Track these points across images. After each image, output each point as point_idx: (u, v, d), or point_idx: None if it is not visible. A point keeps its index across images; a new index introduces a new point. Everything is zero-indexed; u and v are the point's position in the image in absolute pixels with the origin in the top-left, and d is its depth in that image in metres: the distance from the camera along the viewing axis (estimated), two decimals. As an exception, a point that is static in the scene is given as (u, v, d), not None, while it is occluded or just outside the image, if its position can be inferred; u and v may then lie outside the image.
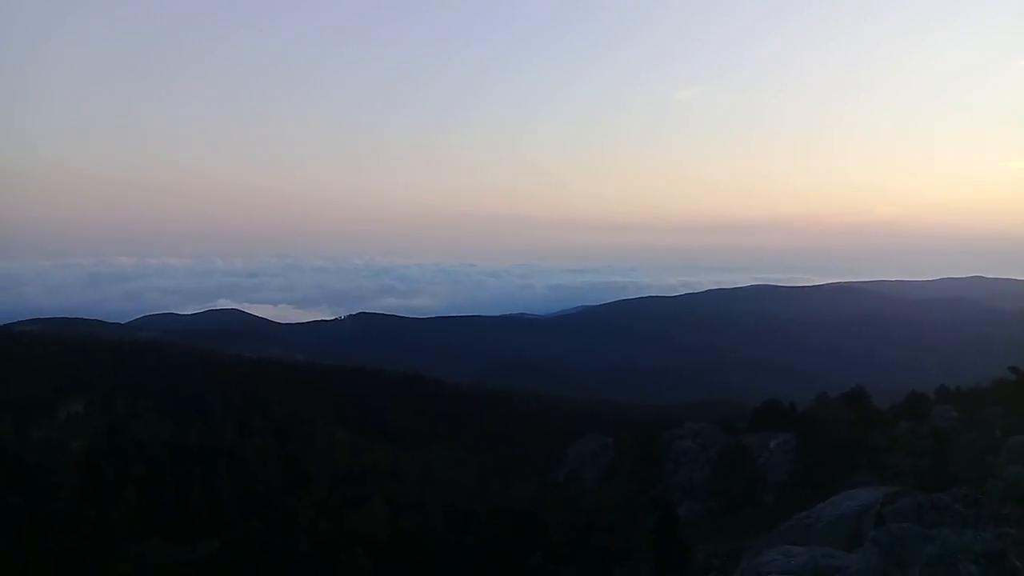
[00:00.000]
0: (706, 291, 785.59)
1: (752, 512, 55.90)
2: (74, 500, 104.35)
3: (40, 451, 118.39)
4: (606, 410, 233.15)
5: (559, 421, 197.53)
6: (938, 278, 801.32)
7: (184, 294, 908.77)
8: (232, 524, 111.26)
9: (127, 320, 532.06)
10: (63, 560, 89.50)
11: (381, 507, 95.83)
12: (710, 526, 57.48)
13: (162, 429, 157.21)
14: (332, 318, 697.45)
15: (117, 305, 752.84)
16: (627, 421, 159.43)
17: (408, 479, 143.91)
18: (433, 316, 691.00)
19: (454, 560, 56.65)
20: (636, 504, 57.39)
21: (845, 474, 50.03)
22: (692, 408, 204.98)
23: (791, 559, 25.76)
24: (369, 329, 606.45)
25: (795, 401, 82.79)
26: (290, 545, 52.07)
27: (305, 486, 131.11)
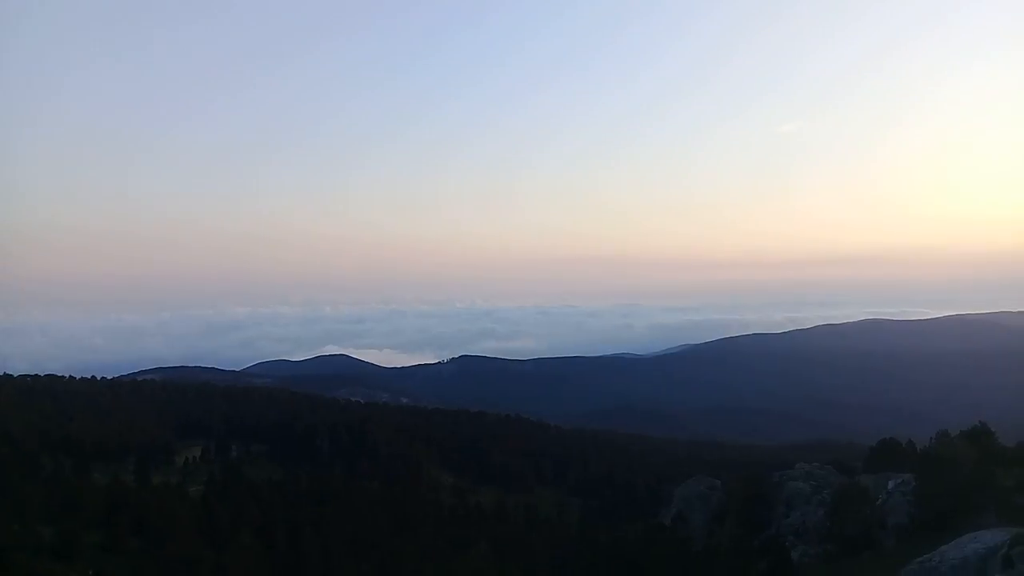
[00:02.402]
0: (815, 327, 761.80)
1: (870, 556, 53.58)
2: (191, 543, 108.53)
3: (160, 496, 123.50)
4: (712, 451, 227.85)
5: (664, 462, 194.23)
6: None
7: (294, 341, 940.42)
8: (342, 567, 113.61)
9: (241, 367, 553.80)
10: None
11: (486, 550, 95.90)
12: (825, 571, 55.22)
13: (274, 472, 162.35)
14: (435, 361, 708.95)
15: (232, 353, 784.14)
16: (735, 462, 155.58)
17: (512, 522, 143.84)
18: (534, 358, 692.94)
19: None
20: (747, 548, 55.65)
21: (969, 516, 47.40)
22: (803, 449, 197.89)
23: (913, 605, 24.63)
24: (471, 371, 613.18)
25: (912, 439, 79.26)
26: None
27: (411, 529, 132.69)
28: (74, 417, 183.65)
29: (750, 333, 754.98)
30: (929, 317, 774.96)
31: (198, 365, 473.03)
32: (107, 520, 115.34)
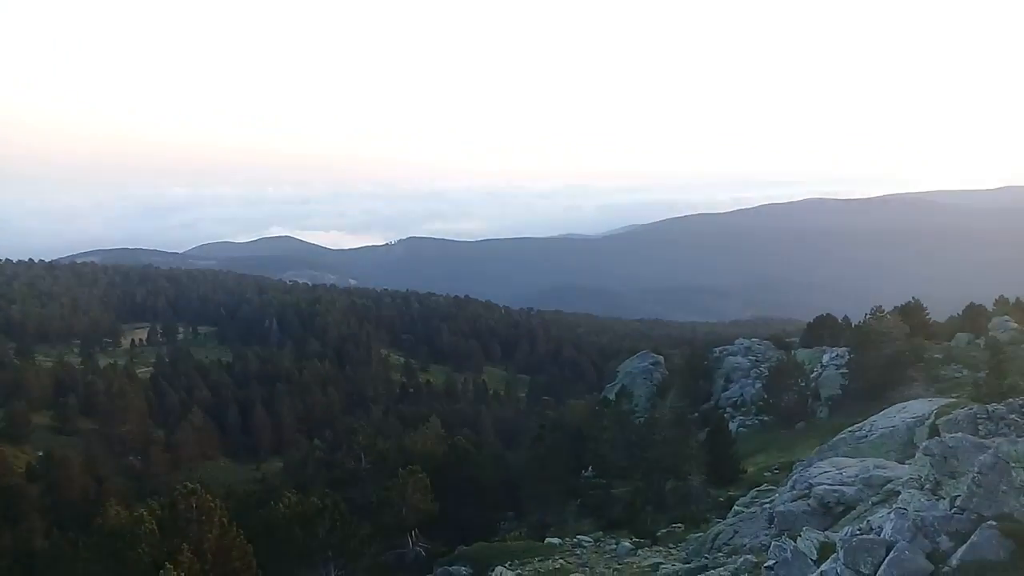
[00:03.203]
0: (759, 206, 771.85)
1: (804, 427, 56.03)
2: (142, 423, 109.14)
3: (107, 377, 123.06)
4: (657, 329, 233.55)
5: (609, 340, 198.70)
6: (1000, 187, 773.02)
7: (237, 223, 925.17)
8: (294, 444, 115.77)
9: (184, 250, 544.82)
10: (134, 480, 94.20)
11: (437, 425, 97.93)
12: (762, 440, 57.74)
13: (223, 354, 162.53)
14: (383, 243, 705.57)
15: (174, 235, 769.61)
16: (678, 339, 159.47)
17: (462, 398, 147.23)
18: (482, 239, 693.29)
19: (508, 476, 58.06)
20: (687, 420, 57.75)
21: (899, 388, 49.55)
22: (744, 326, 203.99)
23: (843, 471, 25.89)
24: (419, 253, 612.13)
25: (848, 316, 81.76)
26: (350, 464, 53.75)
27: (363, 406, 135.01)
28: (14, 301, 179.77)
29: (696, 213, 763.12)
30: (870, 196, 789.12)
31: (139, 247, 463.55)
32: (55, 402, 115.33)
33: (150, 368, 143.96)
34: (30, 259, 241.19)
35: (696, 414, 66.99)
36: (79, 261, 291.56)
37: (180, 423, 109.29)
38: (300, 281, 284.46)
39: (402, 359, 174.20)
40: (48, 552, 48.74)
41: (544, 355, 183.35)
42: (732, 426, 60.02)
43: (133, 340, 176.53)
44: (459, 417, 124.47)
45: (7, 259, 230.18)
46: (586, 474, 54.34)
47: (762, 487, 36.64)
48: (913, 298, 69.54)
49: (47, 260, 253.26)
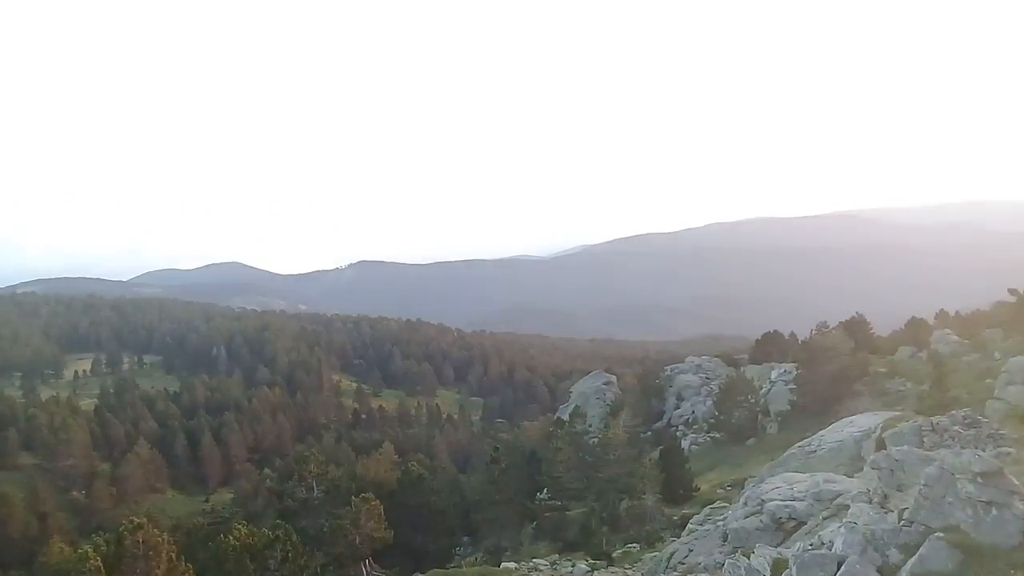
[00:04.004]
0: (706, 225, 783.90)
1: (755, 443, 56.64)
2: (86, 456, 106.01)
3: (50, 410, 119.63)
4: (609, 348, 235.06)
5: (563, 361, 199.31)
6: (937, 204, 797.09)
7: (184, 249, 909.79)
8: (244, 474, 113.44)
9: (129, 277, 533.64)
10: (78, 515, 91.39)
11: (390, 451, 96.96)
12: (714, 457, 58.29)
13: (170, 383, 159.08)
14: (333, 268, 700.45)
15: (118, 262, 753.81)
16: (630, 358, 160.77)
17: (416, 423, 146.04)
18: (433, 262, 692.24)
19: (463, 500, 57.62)
20: (640, 439, 58.03)
21: (846, 402, 50.47)
22: (694, 343, 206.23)
23: (793, 486, 26.11)
24: (370, 276, 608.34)
25: (795, 332, 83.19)
26: (302, 493, 52.85)
27: (315, 434, 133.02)
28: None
29: (643, 233, 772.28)
30: (814, 214, 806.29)
31: (82, 276, 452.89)
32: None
33: (94, 399, 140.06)
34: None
35: (649, 433, 67.42)
36: (19, 291, 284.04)
37: (126, 455, 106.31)
38: (248, 307, 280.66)
39: (354, 384, 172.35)
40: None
41: (497, 377, 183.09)
42: (684, 444, 60.50)
43: (76, 371, 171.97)
44: (413, 442, 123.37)
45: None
46: (541, 496, 54.16)
47: (715, 504, 36.88)
48: (857, 313, 70.90)
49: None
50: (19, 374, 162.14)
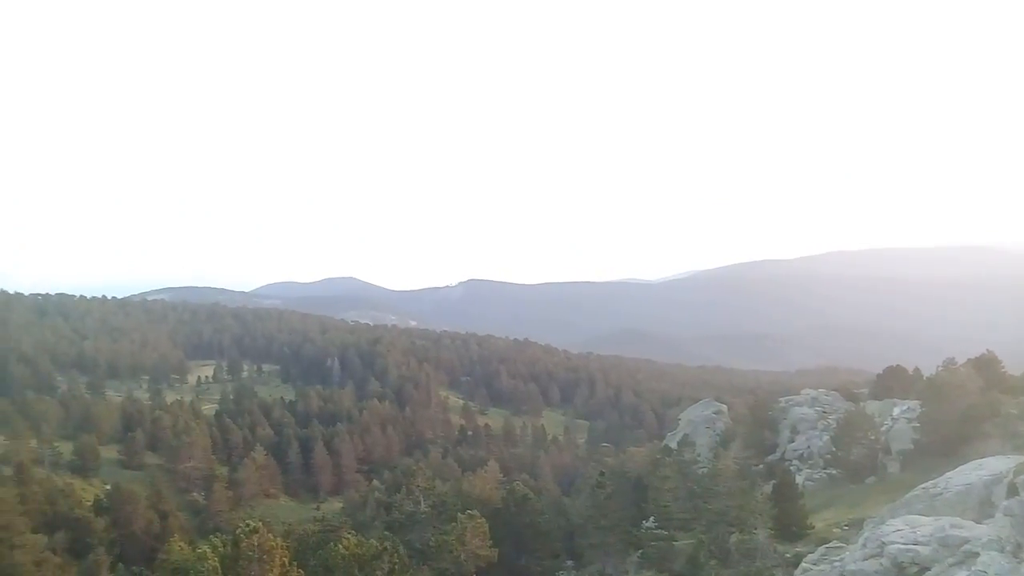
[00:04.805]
0: (824, 253, 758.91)
1: (874, 481, 54.33)
2: (206, 459, 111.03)
3: (174, 413, 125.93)
4: (718, 376, 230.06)
5: (670, 387, 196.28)
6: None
7: (302, 262, 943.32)
8: (353, 484, 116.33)
9: (251, 288, 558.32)
10: (197, 515, 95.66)
11: (495, 470, 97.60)
12: (830, 495, 56.10)
13: (286, 392, 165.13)
14: (443, 285, 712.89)
15: (242, 273, 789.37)
16: (741, 387, 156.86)
17: (520, 443, 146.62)
18: (543, 282, 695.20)
19: (567, 524, 57.39)
20: (752, 472, 56.53)
21: (974, 443, 47.83)
22: (809, 375, 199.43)
23: (916, 529, 24.97)
24: (479, 295, 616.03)
25: (919, 367, 79.42)
26: (409, 506, 53.85)
27: (422, 448, 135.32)
28: (87, 336, 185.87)
29: (759, 259, 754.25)
30: (937, 245, 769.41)
31: (208, 285, 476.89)
32: (123, 436, 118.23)
33: (215, 405, 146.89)
34: (103, 296, 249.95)
35: (761, 466, 65.63)
36: (150, 299, 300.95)
37: (243, 460, 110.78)
38: (362, 321, 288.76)
39: (461, 401, 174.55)
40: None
41: (604, 400, 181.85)
42: (799, 479, 58.53)
43: (199, 376, 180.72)
44: (517, 461, 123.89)
45: (81, 295, 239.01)
46: (647, 524, 53.45)
47: (831, 544, 35.54)
48: (987, 350, 67.25)
49: (119, 297, 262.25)
50: (147, 377, 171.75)
